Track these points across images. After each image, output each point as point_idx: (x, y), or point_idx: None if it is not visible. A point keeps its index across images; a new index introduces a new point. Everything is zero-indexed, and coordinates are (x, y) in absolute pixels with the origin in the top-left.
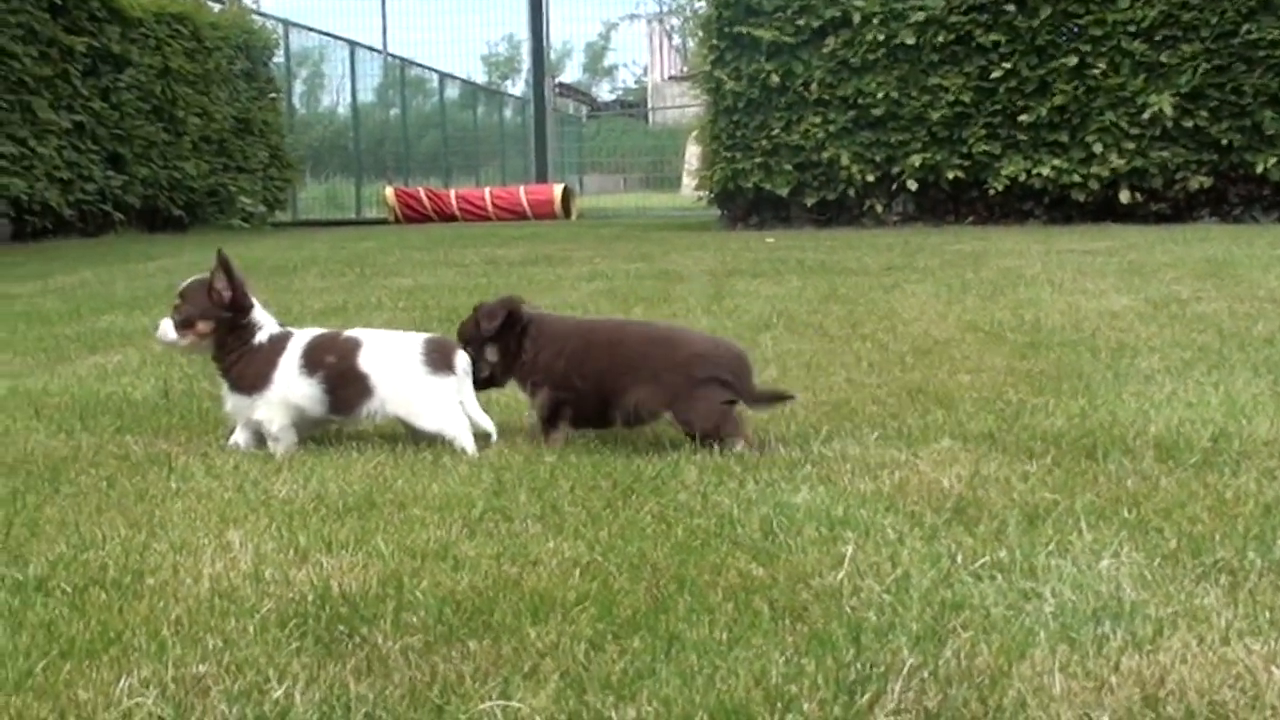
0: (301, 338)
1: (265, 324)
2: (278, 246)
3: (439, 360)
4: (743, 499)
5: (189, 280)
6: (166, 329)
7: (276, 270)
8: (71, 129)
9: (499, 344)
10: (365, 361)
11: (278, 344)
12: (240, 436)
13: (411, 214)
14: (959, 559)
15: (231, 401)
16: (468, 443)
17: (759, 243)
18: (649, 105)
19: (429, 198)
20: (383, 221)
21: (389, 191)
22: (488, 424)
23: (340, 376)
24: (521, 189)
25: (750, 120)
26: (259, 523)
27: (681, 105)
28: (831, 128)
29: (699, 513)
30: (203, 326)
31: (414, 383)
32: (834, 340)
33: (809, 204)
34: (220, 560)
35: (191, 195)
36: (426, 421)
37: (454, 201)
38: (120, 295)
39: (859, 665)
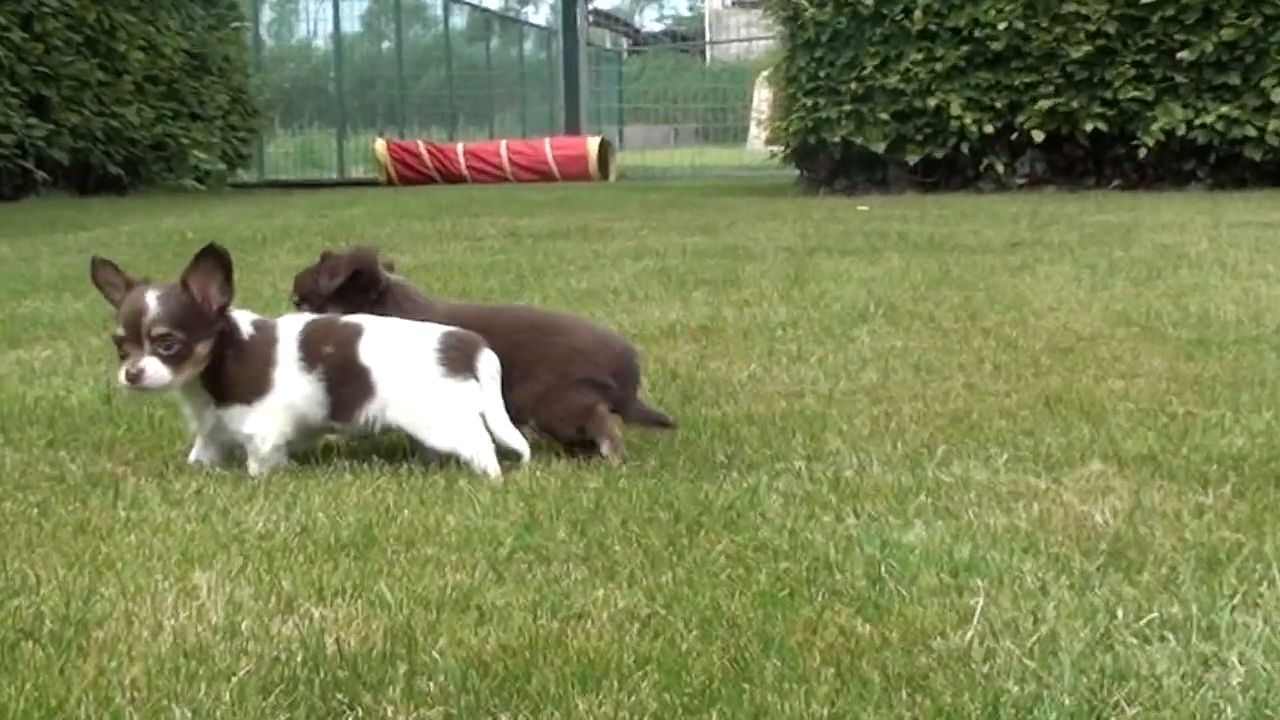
0: (291, 325)
1: (239, 313)
2: (242, 214)
3: (458, 359)
4: (841, 537)
5: (155, 293)
6: (157, 371)
7: (241, 244)
8: None
9: (345, 308)
10: (367, 353)
11: (267, 336)
12: (204, 452)
13: (408, 173)
14: (1119, 615)
15: (218, 415)
16: (489, 464)
17: (848, 211)
18: (706, 38)
19: (430, 153)
20: (373, 183)
21: (380, 145)
22: (518, 442)
23: (340, 371)
24: (547, 142)
25: (837, 57)
26: (231, 562)
27: (748, 38)
28: (939, 67)
29: (786, 554)
30: (202, 350)
31: (424, 385)
32: (948, 336)
33: (911, 163)
34: (185, 609)
35: (133, 149)
36: (435, 435)
37: (461, 158)
38: (46, 274)
39: None
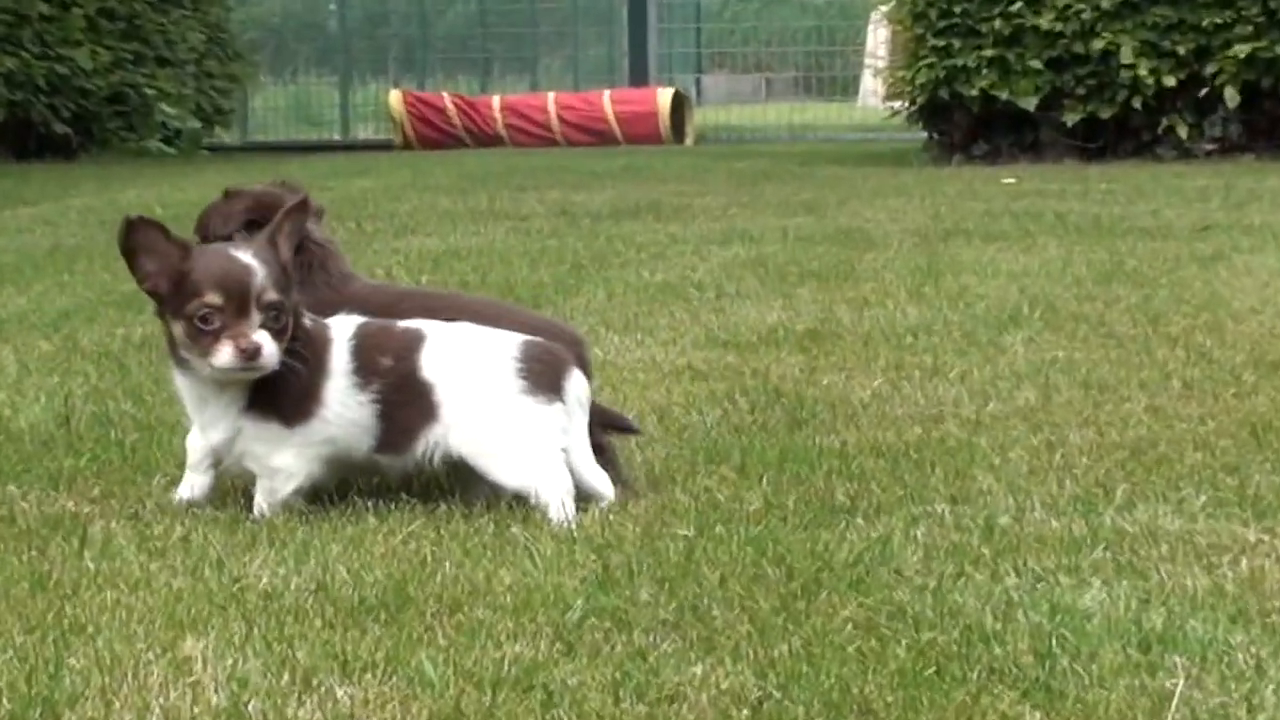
0: (344, 327)
1: None
2: (222, 183)
3: (542, 376)
4: (998, 600)
5: (253, 252)
6: (269, 348)
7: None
8: None
9: None
10: (430, 366)
11: (321, 335)
12: (197, 483)
13: (431, 134)
14: None
15: (242, 425)
16: (567, 512)
17: (992, 184)
18: None
19: (458, 109)
20: (386, 145)
21: (395, 98)
22: (602, 484)
23: (398, 390)
24: (606, 96)
25: None
26: (231, 627)
27: None
28: (1106, 3)
29: (930, 622)
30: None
31: (497, 405)
32: (1125, 345)
33: (1070, 123)
34: (176, 686)
35: (84, 102)
36: (506, 469)
37: (498, 115)
38: None
39: None
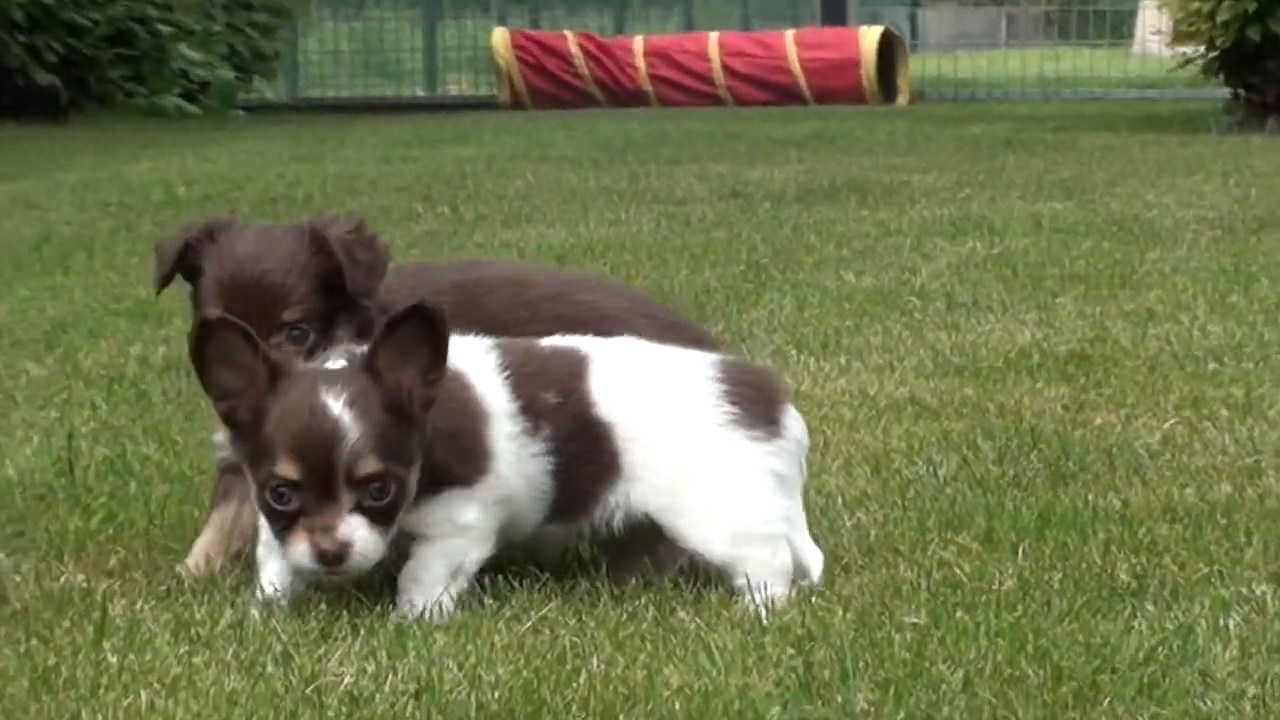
0: (476, 354)
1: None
2: (267, 155)
3: (755, 409)
4: None
5: (344, 398)
6: (362, 544)
7: (270, 206)
8: None
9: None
10: (606, 402)
11: (456, 376)
12: (279, 577)
13: (549, 87)
14: None
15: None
16: (781, 593)
17: None
18: None
19: (585, 53)
20: (486, 105)
21: (499, 38)
22: (814, 558)
23: (572, 436)
24: (789, 37)
25: None
26: None
27: None
28: None
29: None
30: (414, 483)
31: (699, 449)
32: None
33: None
34: None
35: (80, 45)
36: (709, 536)
37: (640, 62)
38: None
39: None
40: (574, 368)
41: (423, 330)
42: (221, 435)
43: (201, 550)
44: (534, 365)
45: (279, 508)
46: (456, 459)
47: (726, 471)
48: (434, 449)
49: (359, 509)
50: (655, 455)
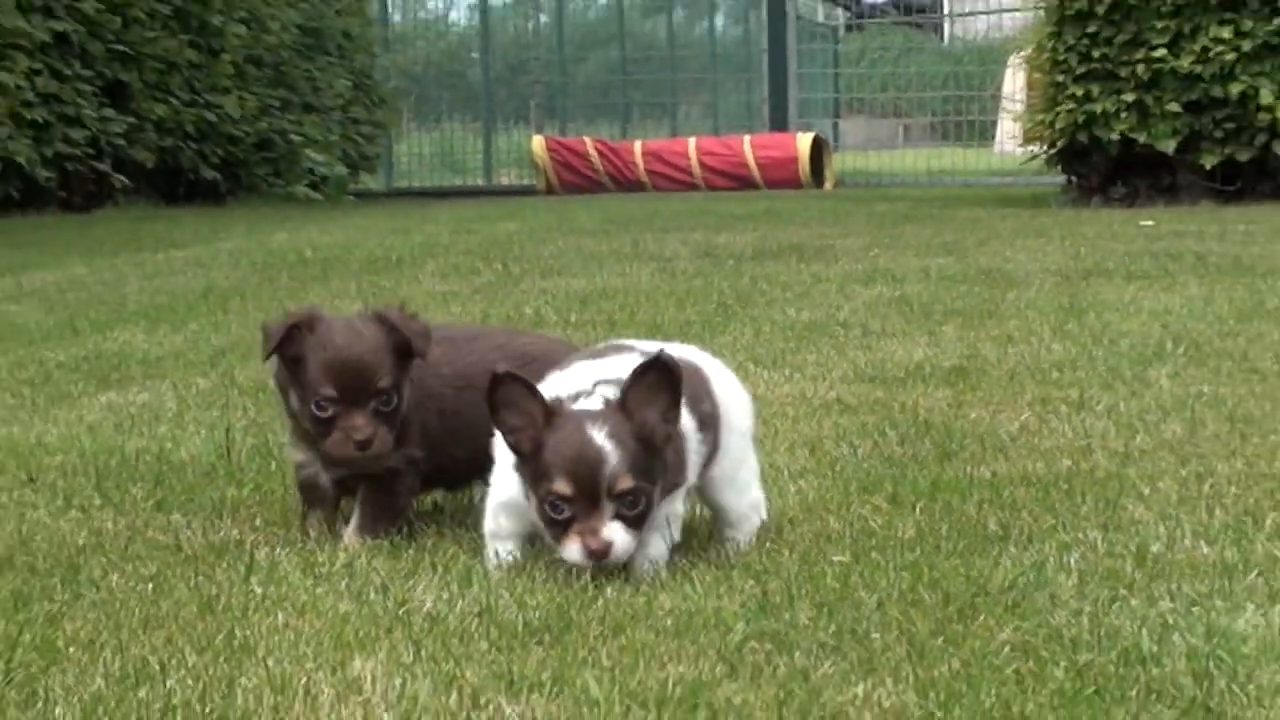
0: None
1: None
2: (370, 229)
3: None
4: (1153, 623)
5: (605, 430)
6: (621, 543)
7: (372, 265)
8: (50, 44)
9: None
10: (723, 404)
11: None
12: (509, 550)
13: (573, 179)
14: None
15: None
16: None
17: (1130, 227)
18: (945, 10)
19: (600, 154)
20: (528, 191)
21: (538, 144)
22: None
23: (712, 436)
24: (746, 141)
25: (1115, 33)
26: (399, 650)
27: (997, 9)
28: (1247, 45)
29: (1086, 644)
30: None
31: (745, 443)
32: (1269, 380)
33: (1208, 166)
34: (347, 705)
35: (232, 148)
36: (743, 507)
37: (639, 160)
38: (134, 302)
39: None
40: (704, 381)
41: (662, 378)
42: (299, 454)
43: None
44: (692, 383)
45: (555, 517)
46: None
47: (751, 457)
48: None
49: (617, 516)
50: (729, 444)
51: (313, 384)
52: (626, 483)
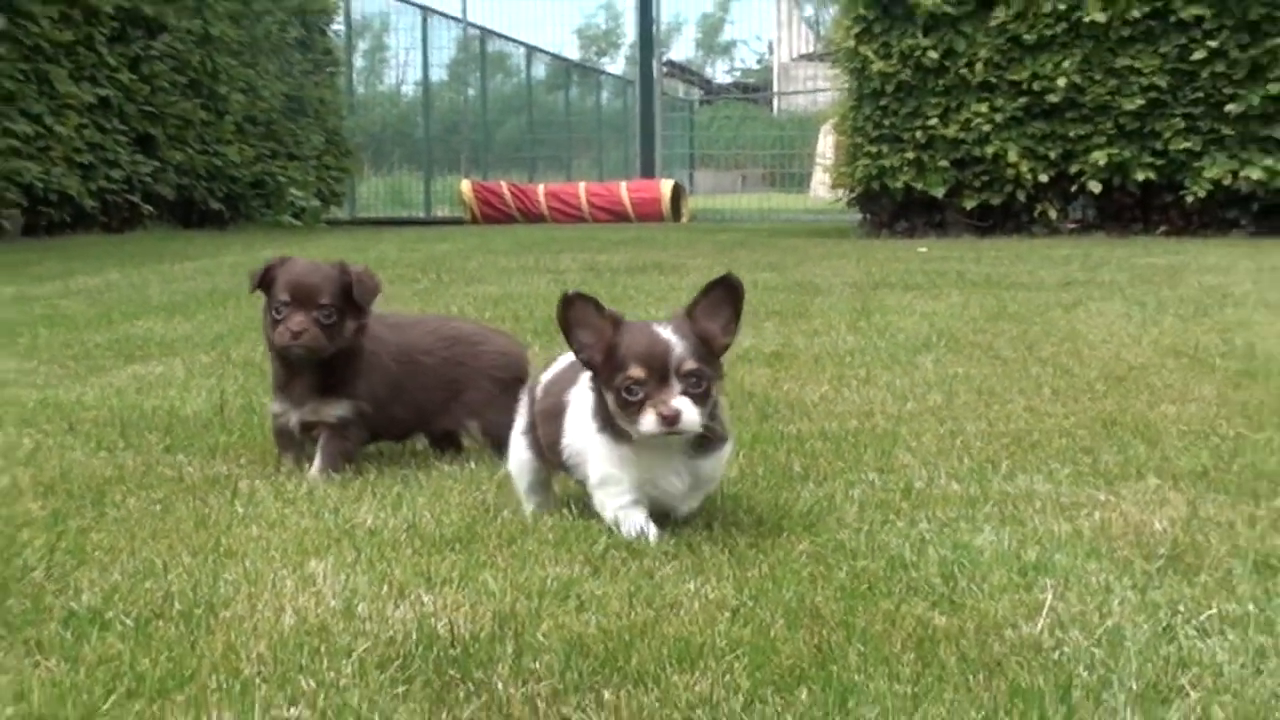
0: None
1: None
2: (337, 247)
3: None
4: (914, 539)
5: (672, 328)
6: (689, 413)
7: None
8: (95, 105)
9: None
10: None
11: None
12: (539, 501)
13: (491, 213)
14: (1180, 611)
15: (698, 465)
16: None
17: (909, 252)
18: (773, 89)
19: (512, 194)
20: (458, 221)
21: (465, 186)
22: None
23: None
24: (623, 185)
25: (900, 107)
26: (344, 554)
27: (813, 89)
28: (998, 117)
29: (864, 554)
30: (716, 391)
31: None
32: (1008, 364)
33: (968, 208)
34: (304, 594)
35: (233, 186)
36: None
37: (542, 199)
38: (155, 299)
39: None
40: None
41: (728, 294)
42: (275, 405)
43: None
44: None
45: (630, 399)
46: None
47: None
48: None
49: (685, 393)
50: None
51: (275, 296)
52: (690, 364)
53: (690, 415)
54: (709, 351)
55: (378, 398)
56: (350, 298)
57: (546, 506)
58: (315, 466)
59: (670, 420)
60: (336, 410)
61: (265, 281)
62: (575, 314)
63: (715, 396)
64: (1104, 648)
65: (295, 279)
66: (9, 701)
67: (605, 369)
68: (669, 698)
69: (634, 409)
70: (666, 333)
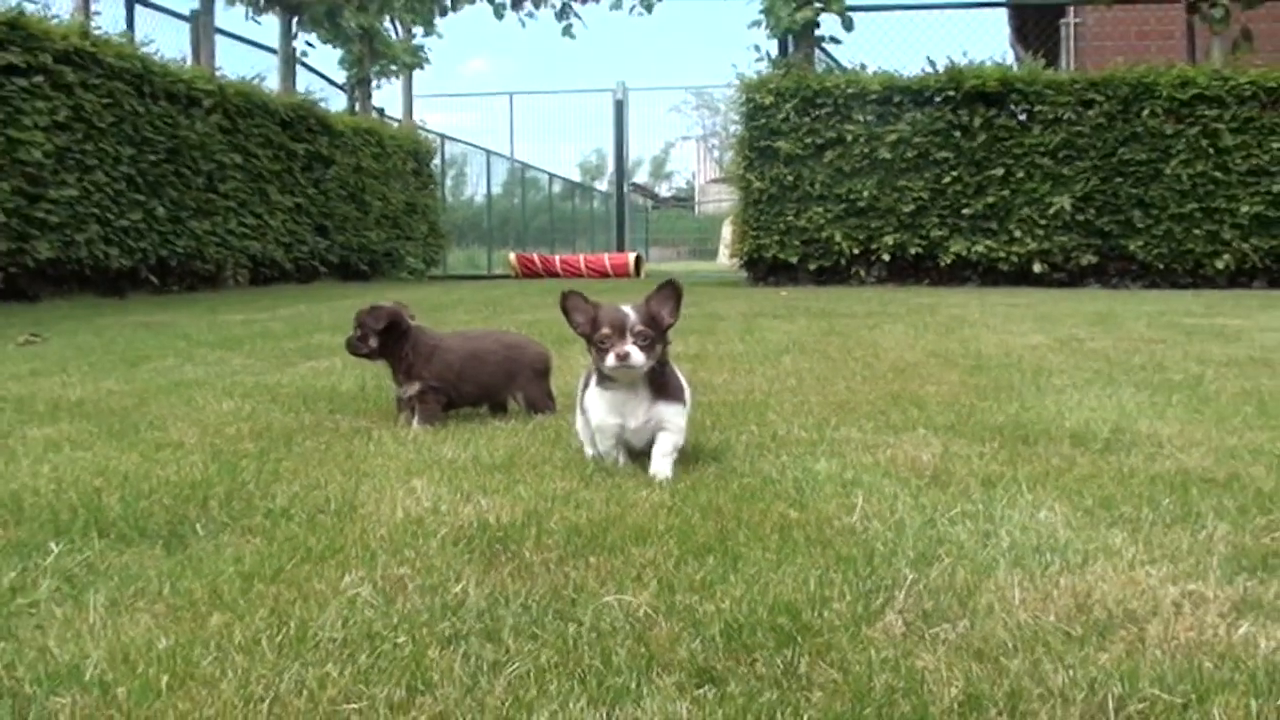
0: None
1: None
2: (434, 292)
3: None
4: (779, 465)
5: (629, 307)
6: (636, 356)
7: (435, 307)
8: (293, 208)
9: (385, 341)
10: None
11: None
12: (615, 454)
13: (527, 272)
14: (938, 509)
15: (653, 410)
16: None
17: (775, 296)
18: (696, 200)
19: (540, 261)
20: (506, 277)
21: (511, 256)
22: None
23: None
24: (606, 256)
25: (771, 209)
26: (434, 475)
27: (719, 199)
28: (829, 215)
29: (748, 475)
30: (660, 350)
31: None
32: (835, 361)
33: (812, 269)
34: (409, 499)
35: (373, 255)
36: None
37: (558, 264)
38: (325, 321)
39: (873, 579)
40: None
41: (672, 291)
42: (400, 388)
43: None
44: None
45: (602, 348)
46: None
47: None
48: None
49: (634, 344)
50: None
51: (367, 324)
52: (639, 327)
53: (637, 357)
54: (656, 325)
55: (448, 381)
56: (396, 328)
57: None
58: (415, 422)
59: (622, 358)
60: (413, 388)
61: (389, 328)
62: (571, 302)
63: (658, 350)
64: (893, 531)
65: (392, 317)
66: (230, 563)
67: (590, 333)
68: (630, 561)
69: (604, 353)
70: (627, 309)
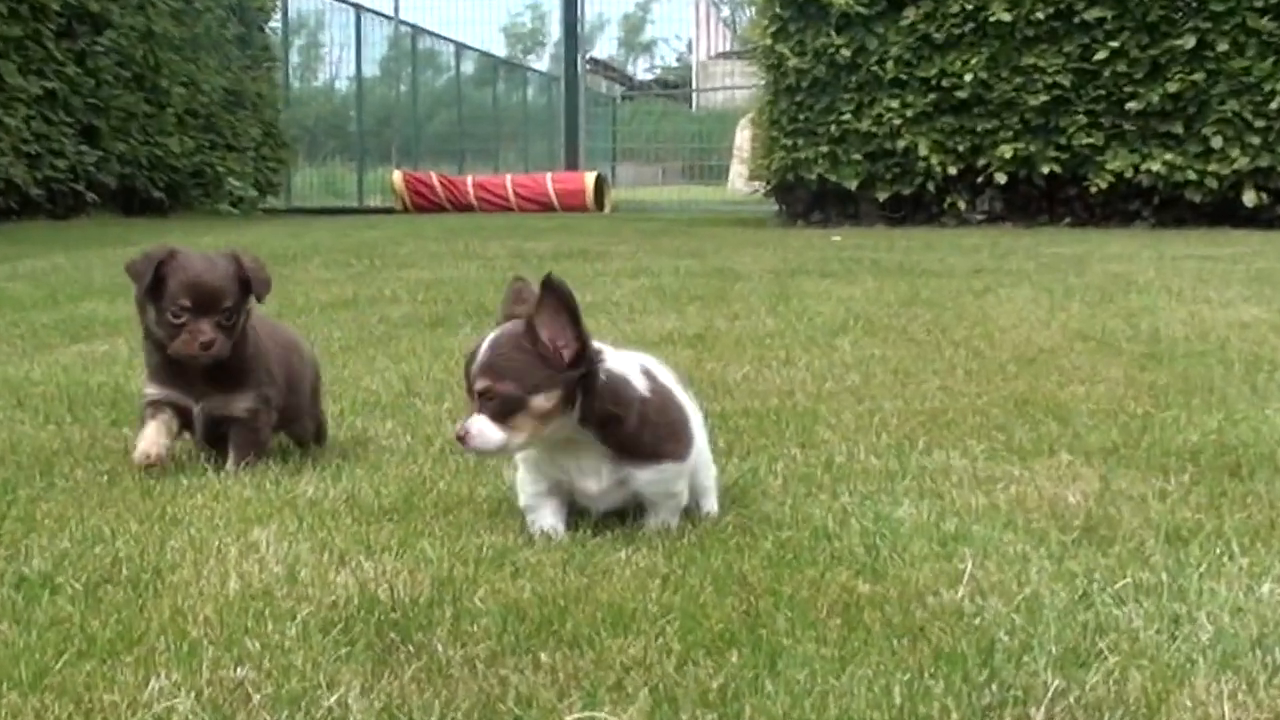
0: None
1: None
2: (273, 233)
3: None
4: (837, 511)
5: (494, 337)
6: (485, 431)
7: (274, 258)
8: (42, 97)
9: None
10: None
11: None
12: (556, 518)
13: (422, 202)
14: (1096, 579)
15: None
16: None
17: (824, 241)
18: (693, 86)
19: (442, 184)
20: (389, 210)
21: (397, 176)
22: None
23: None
24: (548, 177)
25: (815, 103)
26: (286, 523)
27: (731, 86)
28: (909, 112)
29: (788, 525)
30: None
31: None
32: (922, 346)
33: (880, 199)
34: (247, 560)
35: (174, 175)
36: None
37: (470, 189)
38: (99, 282)
39: (993, 688)
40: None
41: (556, 299)
42: (148, 386)
43: (147, 441)
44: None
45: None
46: (676, 435)
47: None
48: (662, 422)
49: (481, 409)
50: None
51: (170, 297)
52: (482, 384)
53: (488, 435)
54: (546, 362)
55: (278, 388)
56: (247, 292)
57: None
58: (229, 463)
59: (462, 439)
60: (244, 403)
61: (157, 280)
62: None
63: (557, 401)
64: (1023, 614)
65: (196, 282)
66: None
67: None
68: (603, 660)
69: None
70: (493, 345)
